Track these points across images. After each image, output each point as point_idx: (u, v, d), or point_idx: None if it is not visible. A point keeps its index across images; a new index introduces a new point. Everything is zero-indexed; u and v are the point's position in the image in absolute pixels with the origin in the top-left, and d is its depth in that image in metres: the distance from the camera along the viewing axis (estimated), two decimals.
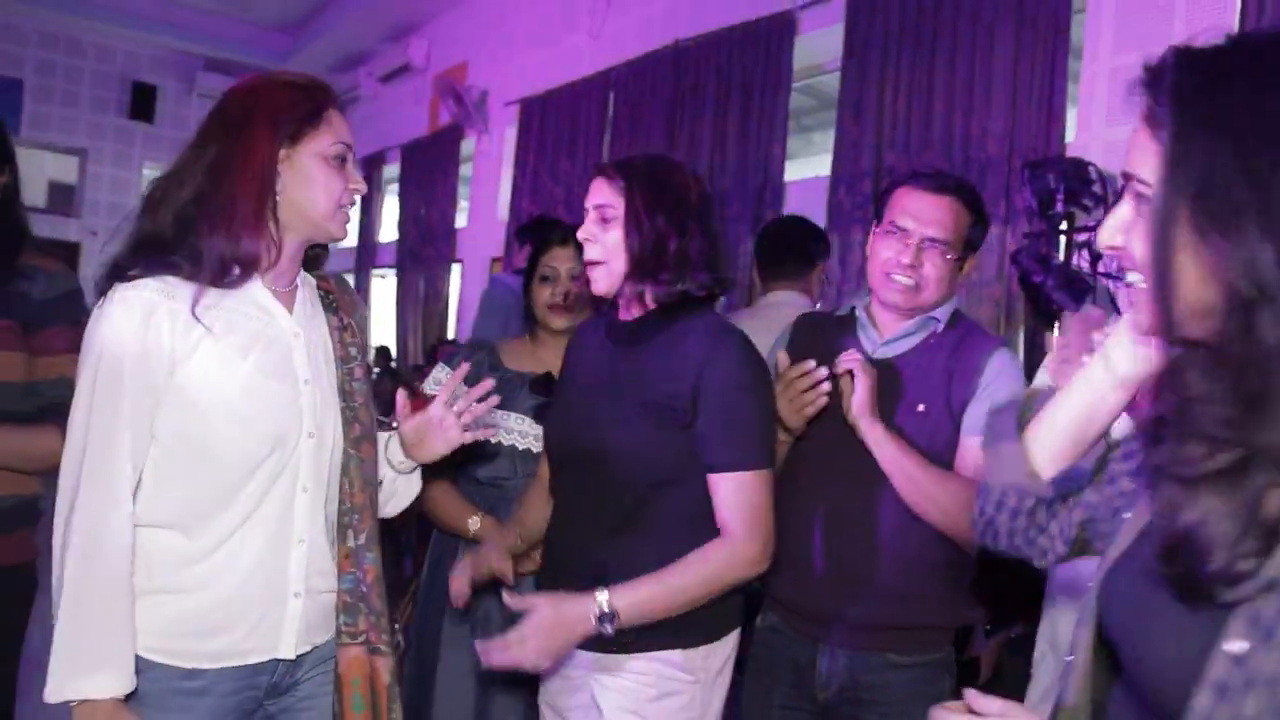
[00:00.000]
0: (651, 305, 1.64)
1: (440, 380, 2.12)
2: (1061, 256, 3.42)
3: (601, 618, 1.50)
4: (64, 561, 1.35)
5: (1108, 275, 3.28)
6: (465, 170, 7.79)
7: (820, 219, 4.14)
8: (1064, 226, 3.41)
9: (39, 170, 10.06)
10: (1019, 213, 3.59)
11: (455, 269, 7.71)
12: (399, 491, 1.70)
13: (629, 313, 1.67)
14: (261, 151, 1.43)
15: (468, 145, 7.63)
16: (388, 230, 9.02)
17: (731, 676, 1.68)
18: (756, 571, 1.59)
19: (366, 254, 9.11)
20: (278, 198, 1.46)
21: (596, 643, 1.56)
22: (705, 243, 1.63)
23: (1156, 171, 0.83)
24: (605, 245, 1.63)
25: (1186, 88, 0.81)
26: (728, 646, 1.65)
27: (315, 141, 1.47)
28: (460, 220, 7.80)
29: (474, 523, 2.07)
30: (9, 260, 1.88)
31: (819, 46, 4.71)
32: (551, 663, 1.54)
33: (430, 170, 8.01)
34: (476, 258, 7.40)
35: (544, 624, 1.50)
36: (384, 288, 9.08)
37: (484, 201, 7.47)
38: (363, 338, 1.63)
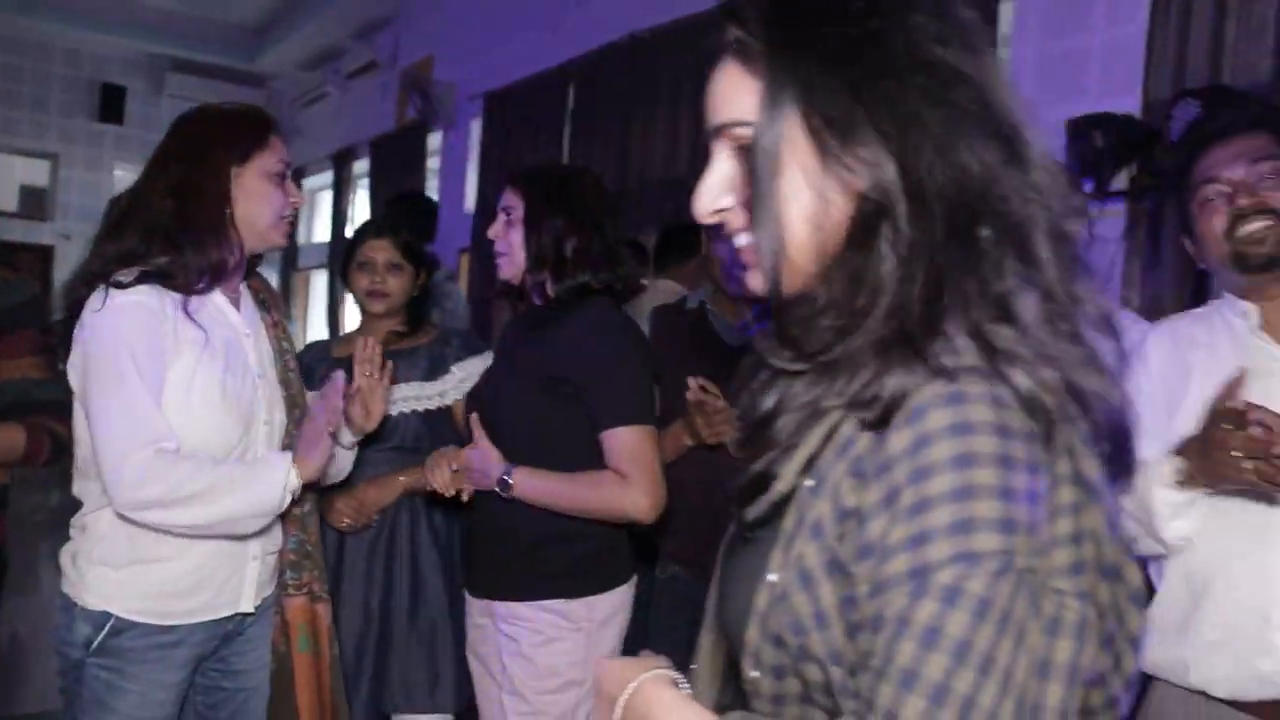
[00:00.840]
0: (552, 295, 1.84)
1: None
2: None
3: (502, 477, 1.81)
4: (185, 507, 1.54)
5: None
6: (434, 163, 7.91)
7: None
8: None
9: (10, 175, 10.11)
10: None
11: None
12: (341, 467, 1.89)
13: (536, 301, 1.88)
14: (222, 173, 1.61)
15: (435, 139, 7.75)
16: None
17: (627, 628, 1.86)
18: (644, 516, 1.79)
19: (339, 247, 9.23)
20: (233, 212, 1.65)
21: (494, 589, 1.77)
22: (603, 242, 1.85)
23: (759, 105, 0.79)
24: (509, 243, 1.86)
25: (776, 12, 0.80)
26: (613, 599, 1.84)
27: (261, 161, 1.67)
28: None
29: (402, 479, 2.26)
30: None
31: None
32: (466, 485, 1.84)
33: (399, 164, 8.12)
34: (446, 250, 7.51)
35: (473, 457, 1.85)
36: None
37: (451, 194, 7.59)
38: (289, 333, 1.84)
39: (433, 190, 8.00)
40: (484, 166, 6.92)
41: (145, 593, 1.61)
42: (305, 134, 10.35)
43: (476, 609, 1.92)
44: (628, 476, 1.78)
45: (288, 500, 1.63)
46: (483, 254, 6.92)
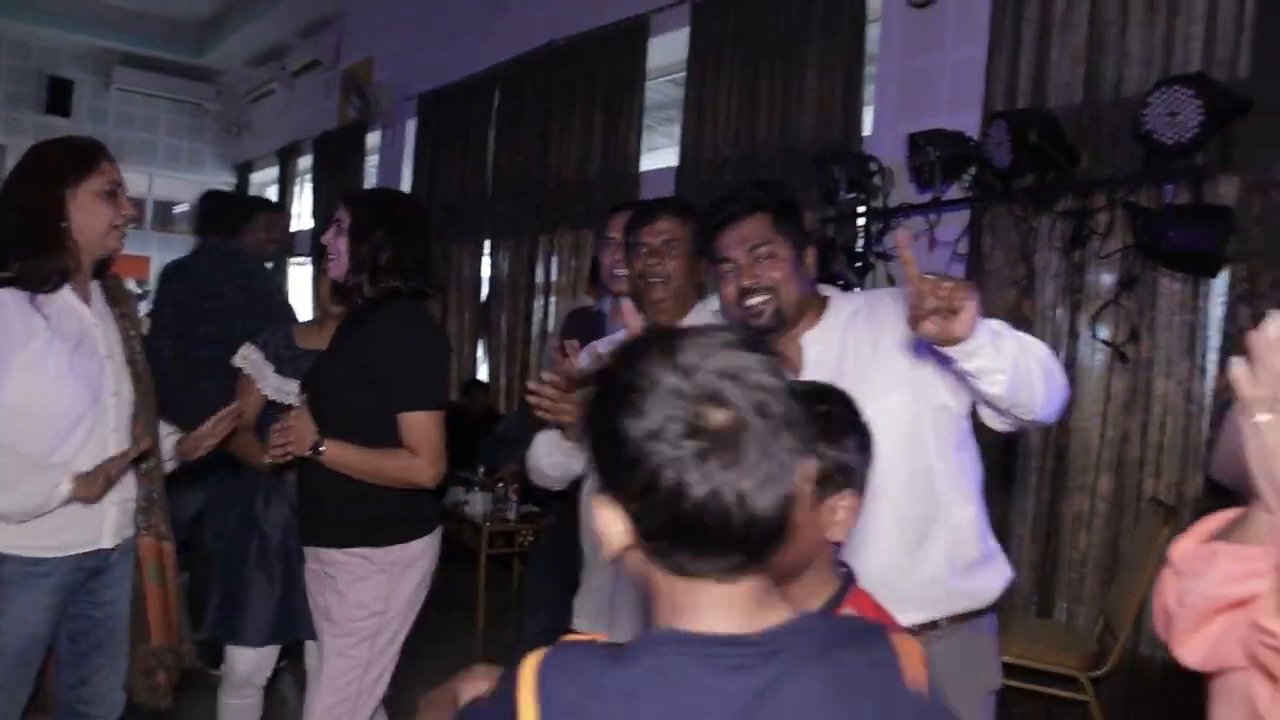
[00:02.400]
0: (368, 295, 2.18)
1: (248, 357, 2.62)
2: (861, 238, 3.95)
3: (314, 445, 2.16)
4: None
5: (881, 255, 3.81)
6: (374, 161, 8.18)
7: None
8: (861, 210, 3.94)
9: None
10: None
11: None
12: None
13: (358, 300, 2.23)
14: (58, 194, 2.04)
15: (375, 137, 8.02)
16: (306, 220, 9.37)
17: (431, 572, 2.31)
18: (428, 484, 2.21)
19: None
20: (71, 225, 2.03)
21: (316, 538, 2.25)
22: (415, 254, 2.21)
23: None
24: (337, 248, 2.25)
25: None
26: (414, 548, 2.25)
27: (91, 183, 2.06)
28: None
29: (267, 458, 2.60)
30: None
31: (674, 48, 5.19)
32: (285, 450, 2.18)
33: (340, 162, 8.38)
34: None
35: (292, 425, 2.18)
36: (303, 275, 9.42)
37: None
38: (137, 322, 2.19)
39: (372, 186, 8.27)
40: (419, 165, 7.20)
41: (18, 531, 1.98)
42: (253, 129, 10.57)
43: (308, 554, 2.26)
44: (417, 452, 2.18)
45: (51, 506, 1.98)
46: None
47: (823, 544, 1.29)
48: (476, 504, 4.84)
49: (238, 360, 2.64)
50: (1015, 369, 1.55)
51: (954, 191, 3.61)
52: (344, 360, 2.24)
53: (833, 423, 1.30)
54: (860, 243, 3.86)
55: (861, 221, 3.90)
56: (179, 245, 11.02)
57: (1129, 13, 3.34)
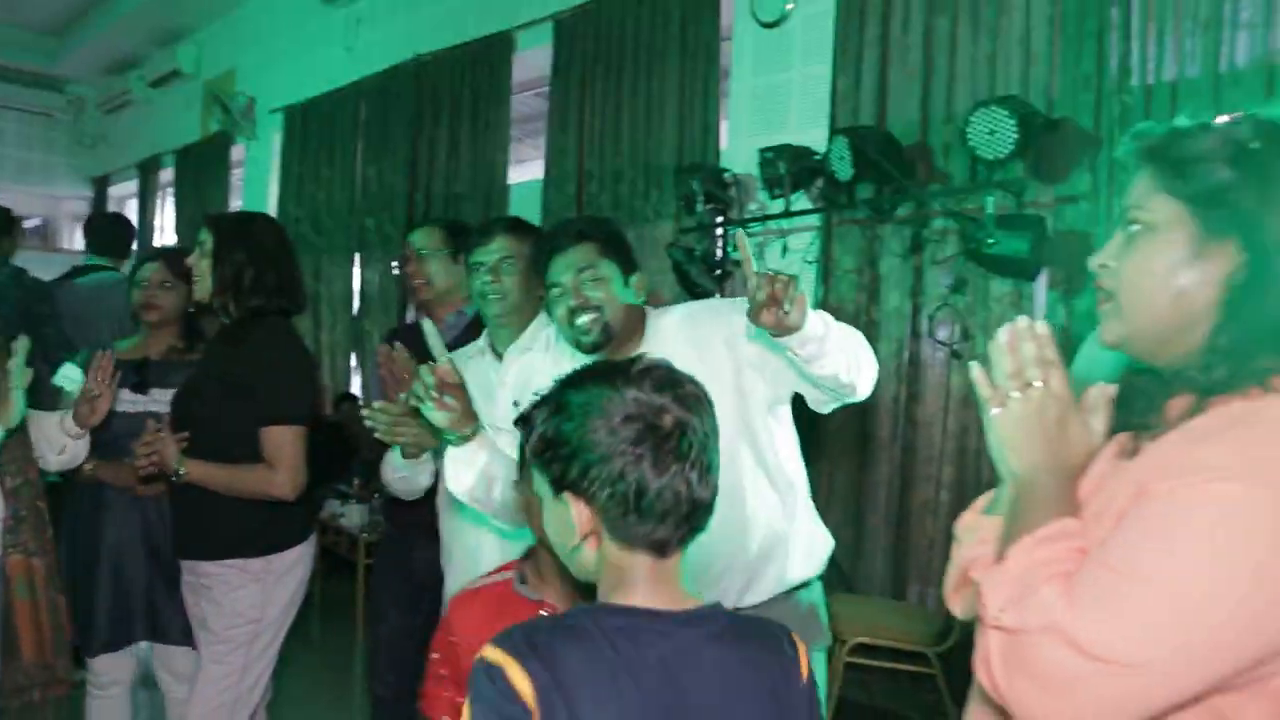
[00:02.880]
0: (234, 315, 2.25)
1: (70, 376, 2.65)
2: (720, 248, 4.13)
3: (176, 468, 2.24)
4: None
5: (738, 263, 4.00)
6: (240, 174, 8.03)
7: (537, 217, 4.74)
8: (720, 220, 4.13)
9: None
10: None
11: None
12: (75, 454, 2.25)
13: (224, 320, 2.29)
14: None
15: (240, 151, 7.88)
16: (169, 234, 9.12)
17: (307, 579, 2.39)
18: (286, 497, 2.29)
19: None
20: None
21: (186, 551, 2.30)
22: (278, 274, 2.29)
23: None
24: (200, 270, 2.31)
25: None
26: (288, 557, 2.34)
27: None
28: None
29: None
30: None
31: (539, 63, 5.31)
32: (152, 462, 2.24)
33: (203, 175, 8.20)
34: None
35: (156, 444, 2.26)
36: None
37: (255, 207, 7.73)
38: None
39: (236, 201, 8.12)
40: (285, 178, 7.13)
41: None
42: (110, 141, 10.21)
43: (184, 568, 2.31)
44: (274, 465, 2.26)
45: None
46: None
47: None
48: (353, 516, 4.85)
49: (59, 380, 2.68)
50: (844, 353, 1.75)
51: (804, 202, 3.82)
52: (214, 376, 2.30)
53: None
54: (719, 252, 4.05)
55: (720, 231, 4.09)
56: (27, 262, 10.57)
57: (957, 36, 3.62)
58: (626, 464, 1.05)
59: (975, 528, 1.11)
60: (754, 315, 1.64)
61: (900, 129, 3.67)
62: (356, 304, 6.50)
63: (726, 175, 4.03)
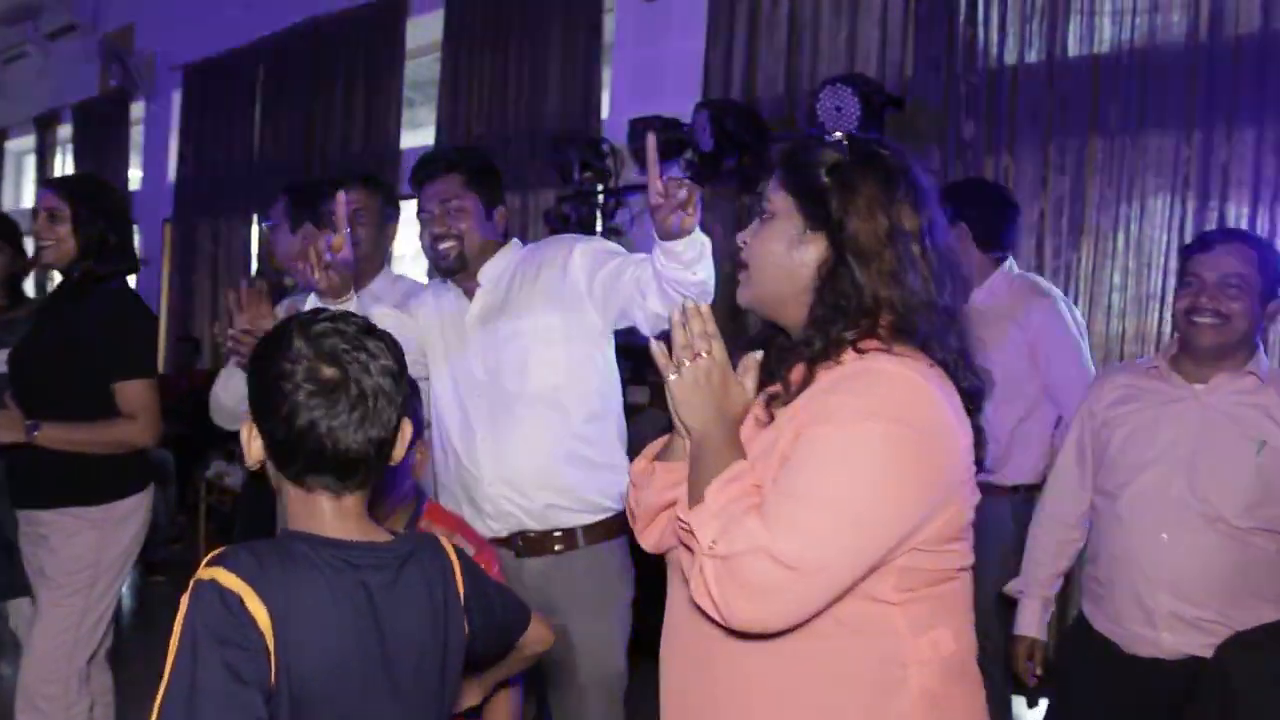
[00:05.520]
0: (78, 277, 2.34)
1: None
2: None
3: (30, 427, 2.29)
4: None
5: (614, 230, 4.13)
6: (139, 132, 7.90)
7: None
8: (599, 189, 4.24)
9: None
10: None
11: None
12: None
13: (65, 281, 2.37)
14: None
15: (140, 108, 7.75)
16: None
17: (146, 526, 2.45)
18: (146, 443, 2.40)
19: None
20: None
21: (24, 500, 2.37)
22: (126, 239, 2.47)
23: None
24: (55, 235, 2.40)
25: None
26: (127, 505, 2.42)
27: None
28: (134, 183, 7.91)
29: None
30: None
31: (432, 29, 5.34)
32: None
33: (103, 132, 8.05)
34: (150, 220, 7.57)
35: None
36: None
37: (155, 165, 7.64)
38: None
39: (136, 159, 7.99)
40: (184, 138, 7.05)
41: None
42: (6, 94, 9.91)
43: (21, 519, 2.38)
44: (135, 418, 2.36)
45: None
46: (184, 224, 7.07)
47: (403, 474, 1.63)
48: (238, 475, 4.90)
49: None
50: (710, 262, 1.89)
51: (675, 172, 3.95)
52: (56, 336, 2.36)
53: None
54: (598, 220, 4.16)
55: (600, 200, 4.20)
56: None
57: (820, 16, 3.77)
58: (282, 401, 1.10)
59: (650, 472, 1.32)
60: (661, 217, 1.77)
61: (767, 103, 3.82)
62: (254, 265, 6.48)
63: (604, 145, 4.14)
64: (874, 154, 1.28)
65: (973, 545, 1.27)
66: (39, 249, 2.40)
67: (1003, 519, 2.44)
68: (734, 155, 3.68)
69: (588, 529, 2.08)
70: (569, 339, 2.09)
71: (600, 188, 4.21)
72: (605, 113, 4.44)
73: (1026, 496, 2.48)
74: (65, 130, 8.83)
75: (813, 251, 1.24)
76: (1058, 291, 2.69)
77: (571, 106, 4.46)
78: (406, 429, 1.19)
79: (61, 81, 8.71)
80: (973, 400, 1.25)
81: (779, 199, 1.27)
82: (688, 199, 1.76)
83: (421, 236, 2.18)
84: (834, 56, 3.74)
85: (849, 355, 1.20)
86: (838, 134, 1.37)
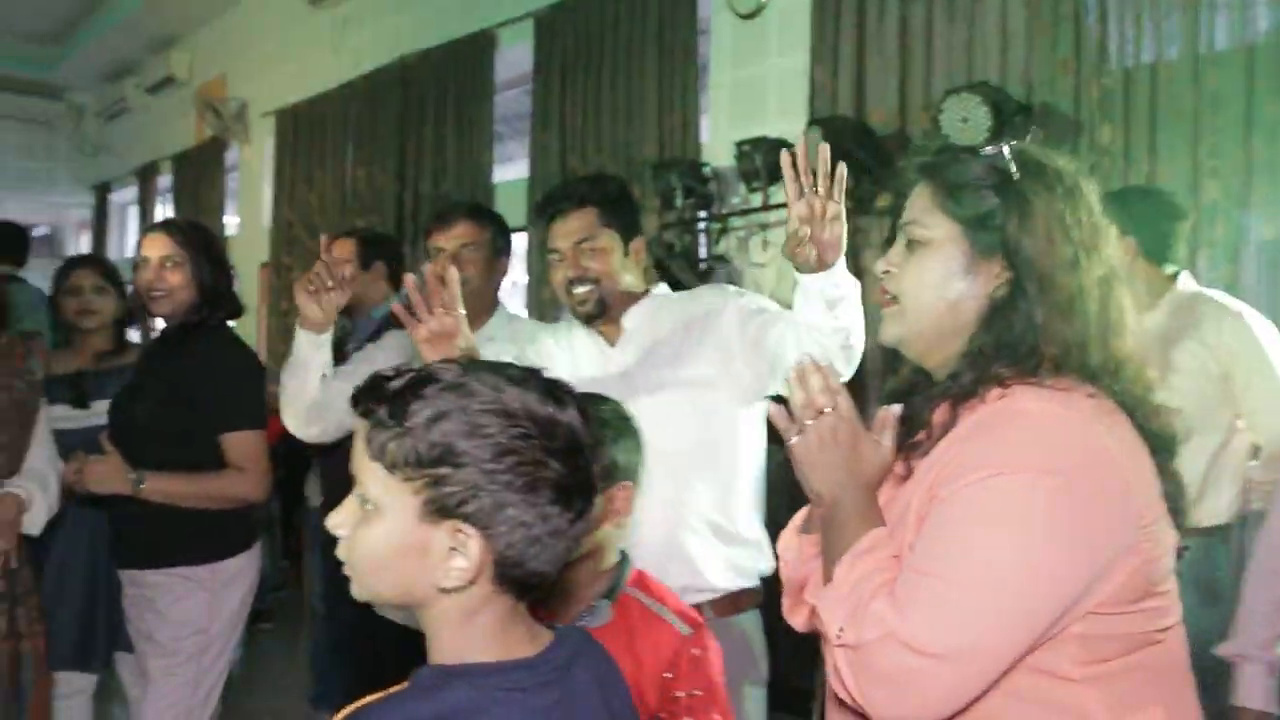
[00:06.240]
0: (178, 324, 2.25)
1: None
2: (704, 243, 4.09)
3: (135, 480, 2.18)
4: None
5: (720, 259, 3.96)
6: (235, 178, 8.03)
7: (523, 215, 4.70)
8: (702, 215, 4.08)
9: None
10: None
11: None
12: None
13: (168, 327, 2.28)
14: None
15: (234, 155, 7.87)
16: None
17: (255, 585, 2.28)
18: (257, 497, 2.21)
19: None
20: None
21: (128, 560, 2.13)
22: (228, 283, 2.40)
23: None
24: (171, 282, 2.32)
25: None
26: (235, 564, 2.29)
27: None
28: (231, 229, 8.03)
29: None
30: None
31: (522, 61, 5.26)
32: (101, 488, 2.18)
33: (199, 180, 8.20)
34: (248, 264, 7.66)
35: (101, 461, 2.19)
36: None
37: (250, 210, 7.74)
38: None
39: (232, 205, 8.12)
40: (277, 183, 7.11)
41: None
42: (111, 148, 10.22)
43: (124, 579, 2.28)
44: (243, 470, 2.24)
45: None
46: (280, 267, 7.12)
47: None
48: None
49: None
50: (859, 309, 1.71)
51: (782, 195, 3.76)
52: (158, 384, 2.27)
53: (608, 424, 1.45)
54: (701, 249, 4.00)
55: (702, 227, 4.04)
56: (34, 270, 10.62)
57: (933, 24, 3.56)
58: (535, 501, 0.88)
59: (796, 547, 1.20)
60: (791, 247, 1.60)
61: (879, 119, 3.61)
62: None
63: (706, 169, 3.98)
64: (1045, 165, 1.15)
65: (1177, 595, 1.10)
66: (151, 297, 2.30)
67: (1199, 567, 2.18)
68: (849, 174, 3.47)
69: (716, 602, 1.89)
70: (715, 396, 1.92)
71: (703, 214, 4.05)
72: (704, 136, 4.28)
73: (1223, 537, 2.22)
74: (165, 180, 9.04)
75: (981, 282, 1.13)
76: (1246, 307, 2.43)
77: (669, 132, 4.31)
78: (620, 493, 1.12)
79: (160, 133, 8.94)
80: (1162, 444, 1.11)
81: (934, 222, 1.16)
82: (832, 218, 1.57)
83: (553, 279, 2.02)
84: (950, 65, 3.52)
85: (993, 393, 1.09)
86: (994, 147, 1.15)
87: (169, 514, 2.20)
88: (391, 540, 0.90)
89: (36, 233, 11.71)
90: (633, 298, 2.01)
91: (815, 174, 1.60)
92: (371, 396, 0.92)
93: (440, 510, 0.88)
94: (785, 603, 1.23)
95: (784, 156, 1.64)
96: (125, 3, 8.17)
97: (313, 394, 2.12)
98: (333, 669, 3.19)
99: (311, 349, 2.09)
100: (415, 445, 0.88)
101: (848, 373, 1.79)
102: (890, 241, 3.48)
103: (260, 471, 2.26)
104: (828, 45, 3.80)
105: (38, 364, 2.31)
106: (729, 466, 1.92)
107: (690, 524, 1.88)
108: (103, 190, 10.39)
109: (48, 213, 11.50)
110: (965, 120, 3.00)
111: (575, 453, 0.91)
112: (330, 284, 2.00)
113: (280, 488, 5.10)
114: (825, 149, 1.60)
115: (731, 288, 2.24)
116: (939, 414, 1.12)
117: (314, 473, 4.16)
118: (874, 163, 3.36)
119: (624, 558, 1.50)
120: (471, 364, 0.94)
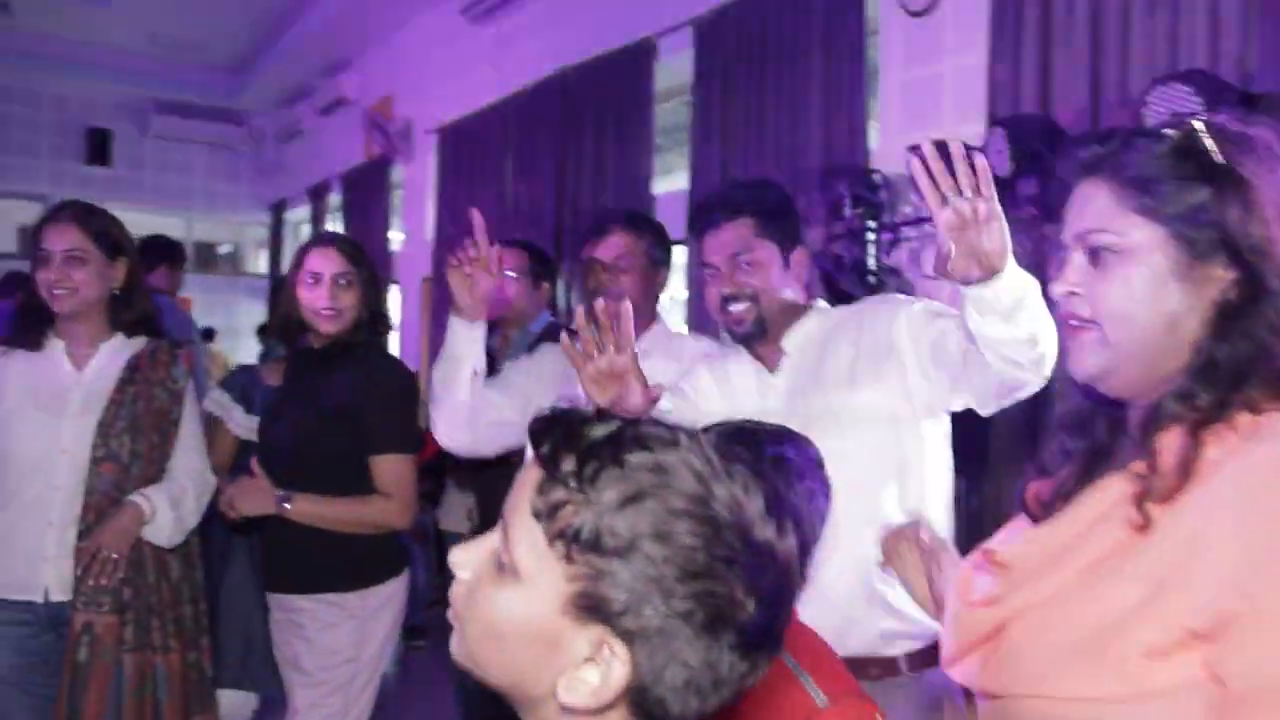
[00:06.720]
0: (332, 339, 2.19)
1: (218, 401, 2.62)
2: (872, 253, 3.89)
3: (281, 498, 2.13)
4: None
5: (892, 270, 3.74)
6: (399, 195, 8.25)
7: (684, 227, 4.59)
8: (872, 225, 3.87)
9: (8, 218, 10.48)
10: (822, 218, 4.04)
11: (394, 290, 8.16)
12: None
13: (315, 344, 2.22)
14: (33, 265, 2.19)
15: (399, 172, 8.09)
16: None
17: (402, 614, 2.21)
18: (402, 525, 2.19)
19: None
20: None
21: (276, 584, 2.08)
22: (381, 299, 2.35)
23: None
24: (344, 302, 2.28)
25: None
26: (384, 591, 2.21)
27: (38, 253, 2.20)
28: (395, 244, 8.26)
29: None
30: None
31: (682, 70, 5.17)
32: (249, 510, 2.13)
33: (367, 197, 8.47)
34: (411, 279, 7.85)
35: (248, 483, 2.15)
36: None
37: (414, 226, 7.93)
38: (168, 389, 2.27)
39: (396, 222, 8.34)
40: (440, 198, 7.25)
41: None
42: (286, 169, 10.73)
43: (272, 603, 2.24)
44: (390, 496, 2.18)
45: None
46: (442, 281, 7.24)
47: None
48: None
49: (208, 404, 2.67)
50: (1042, 308, 1.46)
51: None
52: (310, 404, 2.24)
53: (783, 468, 1.29)
54: (870, 259, 3.79)
55: (871, 237, 3.84)
56: (220, 286, 11.27)
57: (1130, 12, 3.26)
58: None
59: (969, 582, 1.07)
60: (946, 266, 1.39)
61: (1067, 117, 3.33)
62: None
63: (876, 176, 3.77)
64: (1250, 138, 0.97)
65: None
66: (323, 315, 2.27)
67: None
68: (1033, 177, 3.22)
69: (913, 655, 1.70)
70: (894, 420, 1.74)
71: (873, 224, 3.84)
72: (875, 142, 4.07)
73: None
74: (335, 199, 9.39)
75: (1200, 288, 0.96)
76: None
77: (836, 138, 4.12)
78: None
79: (331, 153, 9.29)
80: None
81: (1126, 226, 0.98)
82: (986, 219, 1.36)
83: (706, 296, 1.88)
84: (1150, 57, 3.21)
85: (1243, 419, 0.92)
86: (1177, 122, 0.94)
87: (319, 538, 2.16)
88: (519, 617, 0.72)
89: (223, 249, 12.41)
90: (793, 315, 1.85)
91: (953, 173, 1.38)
92: (562, 438, 0.72)
93: (591, 611, 0.70)
94: (944, 657, 1.07)
95: (913, 165, 1.44)
96: (301, 30, 8.52)
97: (463, 393, 2.05)
98: (486, 689, 3.13)
99: (465, 341, 2.03)
100: (594, 524, 0.69)
101: (1039, 382, 1.57)
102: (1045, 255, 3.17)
103: (407, 499, 2.21)
104: (1009, 39, 3.54)
105: (181, 373, 2.31)
106: (917, 495, 1.74)
107: (878, 565, 1.70)
108: (278, 209, 10.90)
109: (231, 231, 12.17)
110: (1175, 114, 2.71)
111: (781, 599, 0.71)
112: (478, 257, 1.96)
113: (437, 500, 5.15)
114: (958, 145, 1.38)
115: (901, 296, 2.05)
116: (1168, 443, 0.94)
117: (452, 494, 4.15)
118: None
119: None
120: (685, 433, 0.72)
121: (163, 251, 4.54)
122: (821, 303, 1.93)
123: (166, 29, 9.09)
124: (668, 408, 1.86)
